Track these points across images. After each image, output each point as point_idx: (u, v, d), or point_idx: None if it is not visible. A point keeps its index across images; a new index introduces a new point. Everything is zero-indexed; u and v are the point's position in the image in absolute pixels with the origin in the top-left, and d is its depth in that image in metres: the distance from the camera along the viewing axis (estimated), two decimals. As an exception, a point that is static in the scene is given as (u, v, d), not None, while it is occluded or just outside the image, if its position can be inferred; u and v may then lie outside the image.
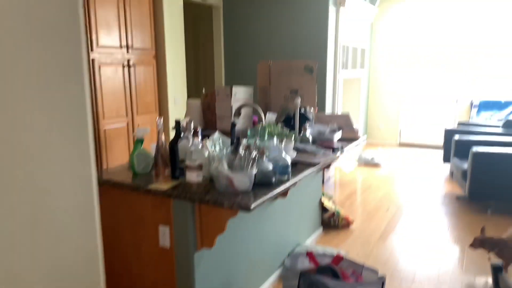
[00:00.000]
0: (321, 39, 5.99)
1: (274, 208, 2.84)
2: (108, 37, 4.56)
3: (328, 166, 3.31)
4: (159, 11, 5.18)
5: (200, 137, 2.29)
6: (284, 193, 2.20)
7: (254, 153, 2.03)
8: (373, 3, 7.19)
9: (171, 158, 2.22)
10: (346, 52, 6.62)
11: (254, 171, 2.00)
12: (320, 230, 3.81)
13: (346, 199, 4.78)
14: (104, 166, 4.54)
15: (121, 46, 4.72)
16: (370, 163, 6.40)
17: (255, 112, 3.34)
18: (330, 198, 4.13)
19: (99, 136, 4.52)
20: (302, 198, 3.34)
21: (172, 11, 5.33)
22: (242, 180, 1.98)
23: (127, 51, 4.81)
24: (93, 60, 4.40)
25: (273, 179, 2.12)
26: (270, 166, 2.11)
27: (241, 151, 2.04)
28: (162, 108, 5.43)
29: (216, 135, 2.22)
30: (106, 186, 2.28)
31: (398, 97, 7.92)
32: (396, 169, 6.21)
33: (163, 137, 2.23)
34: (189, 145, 2.12)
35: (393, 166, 6.37)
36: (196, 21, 6.79)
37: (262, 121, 3.02)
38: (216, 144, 2.12)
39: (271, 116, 3.41)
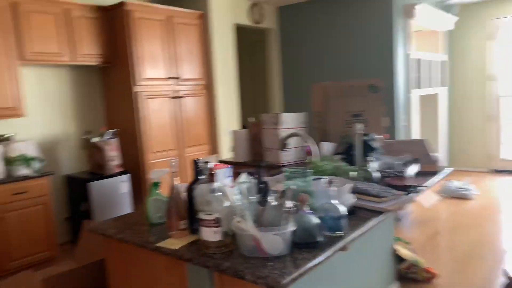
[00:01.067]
0: (386, 55, 5.29)
1: (331, 263, 2.21)
2: (154, 70, 4.34)
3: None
4: (209, 41, 4.90)
5: (225, 180, 1.80)
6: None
7: (290, 203, 1.48)
8: (448, 11, 6.34)
9: (189, 206, 1.75)
10: (418, 67, 5.82)
11: (291, 227, 1.45)
12: (396, 286, 3.06)
13: (427, 244, 3.93)
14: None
15: (167, 78, 4.48)
16: (457, 195, 5.40)
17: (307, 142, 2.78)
18: (406, 244, 3.37)
19: (144, 170, 4.22)
20: (368, 247, 2.66)
21: (222, 40, 5.03)
22: (274, 242, 1.43)
23: (175, 83, 4.56)
24: (137, 93, 4.18)
25: (319, 237, 1.53)
26: (314, 220, 1.53)
27: (273, 199, 1.50)
28: (213, 140, 5.06)
29: (244, 176, 1.71)
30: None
31: (488, 114, 6.80)
32: (492, 203, 5.16)
33: (178, 181, 1.77)
34: (206, 191, 1.62)
35: (487, 199, 5.32)
36: (252, 45, 6.47)
37: (311, 154, 2.45)
38: (241, 189, 1.60)
39: (326, 147, 2.82)
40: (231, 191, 1.60)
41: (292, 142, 3.05)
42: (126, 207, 4.00)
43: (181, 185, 1.90)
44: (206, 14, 4.85)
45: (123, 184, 4.03)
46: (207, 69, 4.95)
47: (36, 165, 3.39)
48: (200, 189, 1.69)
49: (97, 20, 4.10)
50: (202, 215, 1.57)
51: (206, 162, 1.65)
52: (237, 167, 3.48)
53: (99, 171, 3.94)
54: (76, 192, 3.95)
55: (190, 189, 1.74)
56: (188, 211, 1.75)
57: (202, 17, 4.83)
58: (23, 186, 3.28)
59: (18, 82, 3.50)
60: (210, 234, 1.54)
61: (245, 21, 5.56)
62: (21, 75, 3.53)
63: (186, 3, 4.93)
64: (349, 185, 1.87)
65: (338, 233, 1.61)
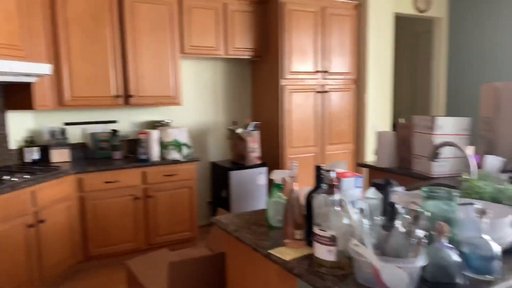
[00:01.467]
0: None
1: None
2: (302, 63, 4.25)
3: None
4: (364, 32, 4.56)
5: (353, 191, 1.56)
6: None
7: (423, 232, 1.18)
8: None
9: (307, 215, 1.58)
10: None
11: (422, 261, 1.16)
12: None
13: None
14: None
15: (315, 72, 4.34)
16: None
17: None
18: None
19: (283, 165, 4.20)
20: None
21: (379, 31, 4.62)
22: (397, 275, 1.16)
23: (323, 77, 4.39)
24: (283, 87, 4.15)
25: (459, 279, 1.19)
26: (454, 256, 1.20)
27: (401, 224, 1.22)
28: (358, 139, 4.74)
29: (371, 191, 1.45)
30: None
31: None
32: None
33: (297, 186, 1.61)
34: (325, 203, 1.42)
35: None
36: (414, 36, 5.82)
37: (470, 168, 1.99)
38: (365, 207, 1.35)
39: (491, 162, 2.28)
40: (353, 206, 1.37)
41: (448, 151, 2.57)
42: (261, 199, 4.05)
43: (305, 189, 1.74)
44: (363, 4, 4.52)
45: (261, 176, 4.08)
46: (358, 63, 4.63)
47: (186, 150, 3.67)
48: (319, 200, 1.50)
49: (251, 14, 4.20)
50: (317, 230, 1.38)
51: (329, 171, 1.44)
52: (377, 173, 3.17)
53: (240, 161, 4.07)
54: (219, 179, 4.17)
55: (309, 197, 1.57)
56: (306, 220, 1.59)
57: (358, 7, 4.53)
58: (173, 169, 3.59)
59: (178, 73, 3.83)
60: (323, 252, 1.35)
61: (408, 9, 5.01)
62: (179, 67, 3.85)
63: (341, -6, 4.69)
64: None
65: (488, 278, 1.23)
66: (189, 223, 3.72)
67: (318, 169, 1.54)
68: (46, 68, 2.99)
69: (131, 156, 3.77)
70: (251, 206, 3.97)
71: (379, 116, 4.74)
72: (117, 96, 3.56)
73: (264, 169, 4.11)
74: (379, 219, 1.30)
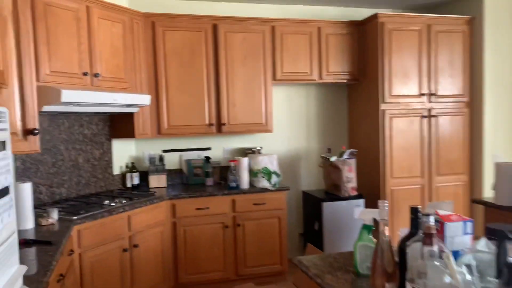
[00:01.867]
0: None
1: None
2: (405, 86, 3.89)
3: None
4: (480, 49, 4.03)
5: (462, 238, 1.25)
6: None
7: None
8: None
9: (400, 265, 1.31)
10: None
11: None
12: None
13: None
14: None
15: (421, 95, 3.93)
16: None
17: None
18: None
19: (384, 197, 3.83)
20: None
21: (498, 47, 4.04)
22: None
23: (429, 100, 3.96)
24: (384, 111, 3.83)
25: None
26: None
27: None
28: (474, 170, 4.13)
29: (483, 243, 1.13)
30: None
31: None
32: None
33: (387, 231, 1.35)
34: (421, 255, 1.15)
35: None
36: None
37: None
38: (472, 262, 1.05)
39: None
40: (458, 261, 1.08)
41: None
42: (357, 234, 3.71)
43: (402, 230, 1.47)
44: (478, 17, 4.01)
45: (358, 209, 3.75)
46: (472, 84, 4.09)
47: (275, 179, 3.55)
48: (415, 249, 1.23)
49: (347, 36, 4.00)
50: (409, 285, 1.12)
51: (427, 215, 1.17)
52: (495, 213, 2.66)
53: (334, 191, 3.81)
54: (311, 210, 3.95)
55: (402, 245, 1.31)
56: (398, 272, 1.32)
57: (471, 22, 4.03)
58: (262, 198, 3.49)
59: (270, 100, 3.78)
60: (419, 318, 1.08)
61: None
62: (270, 94, 3.80)
63: (449, 8, 4.24)
64: None
65: None
66: (278, 256, 3.56)
67: (414, 211, 1.27)
68: (146, 99, 3.16)
69: (222, 183, 3.78)
70: (346, 242, 3.66)
71: (499, 144, 4.08)
72: (210, 124, 3.62)
73: (361, 201, 3.78)
74: (492, 281, 0.99)
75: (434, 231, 1.10)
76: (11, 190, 1.21)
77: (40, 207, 2.76)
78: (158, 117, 3.50)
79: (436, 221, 1.44)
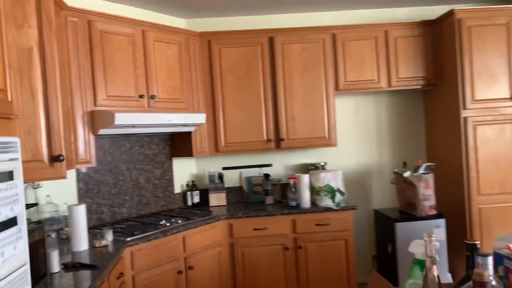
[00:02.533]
0: None
1: None
2: (491, 89, 3.38)
3: None
4: None
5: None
6: None
7: None
8: None
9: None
10: None
11: None
12: None
13: None
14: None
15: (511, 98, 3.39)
16: None
17: None
18: None
19: (470, 216, 3.33)
20: None
21: None
22: None
23: (522, 103, 3.39)
24: (466, 119, 3.37)
25: None
26: None
27: None
28: None
29: None
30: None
31: None
32: None
33: (435, 270, 1.08)
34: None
35: None
36: None
37: None
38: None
39: None
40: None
41: None
42: (441, 257, 3.26)
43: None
44: None
45: (437, 230, 3.31)
46: None
47: (340, 197, 3.28)
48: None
49: (419, 38, 3.62)
50: None
51: (484, 255, 0.89)
52: None
53: (409, 210, 3.42)
54: (383, 230, 3.58)
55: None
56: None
57: None
58: (325, 218, 3.24)
59: (332, 112, 3.54)
60: None
61: None
62: (333, 105, 3.55)
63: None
64: None
65: None
66: (345, 281, 3.25)
67: (469, 248, 0.99)
68: (201, 118, 3.13)
69: (284, 201, 3.60)
70: (424, 267, 3.23)
71: None
72: (269, 140, 3.48)
73: (441, 221, 3.33)
74: None
75: (487, 279, 0.82)
76: (21, 220, 1.19)
77: (100, 228, 2.84)
78: (216, 134, 3.47)
79: (509, 258, 1.13)
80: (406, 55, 3.62)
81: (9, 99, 1.16)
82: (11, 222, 1.12)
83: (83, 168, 2.90)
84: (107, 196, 3.06)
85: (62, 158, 1.64)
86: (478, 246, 1.01)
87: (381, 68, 3.60)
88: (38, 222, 2.50)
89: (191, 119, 3.07)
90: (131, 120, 2.64)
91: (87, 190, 2.93)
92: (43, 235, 1.63)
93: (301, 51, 3.53)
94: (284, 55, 3.51)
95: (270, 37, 3.51)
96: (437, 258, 1.30)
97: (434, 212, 3.35)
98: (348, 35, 3.58)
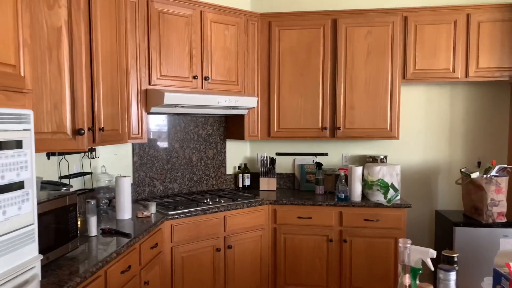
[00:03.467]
0: None
1: None
2: None
3: None
4: None
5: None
6: None
7: None
8: None
9: None
10: None
11: None
12: None
13: None
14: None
15: None
16: None
17: None
18: None
19: (549, 233, 2.91)
20: None
21: None
22: None
23: None
24: (555, 117, 2.91)
25: None
26: None
27: None
28: None
29: None
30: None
31: None
32: None
33: (407, 278, 0.96)
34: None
35: None
36: None
37: None
38: None
39: None
40: None
41: None
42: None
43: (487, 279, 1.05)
44: None
45: (504, 240, 2.93)
46: None
47: (392, 193, 3.06)
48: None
49: (507, 23, 3.17)
50: None
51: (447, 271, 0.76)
52: None
53: (474, 215, 3.07)
54: (442, 233, 3.28)
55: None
56: None
57: None
58: (375, 214, 3.05)
59: (397, 102, 3.29)
60: None
61: None
62: (399, 95, 3.29)
63: None
64: None
65: None
66: (392, 282, 3.06)
67: (446, 260, 0.86)
68: (253, 101, 3.13)
69: (334, 192, 3.46)
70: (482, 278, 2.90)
71: None
72: (324, 128, 3.36)
73: (510, 231, 2.94)
74: None
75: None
76: (29, 185, 1.30)
77: (150, 200, 3.02)
78: (269, 119, 3.43)
79: (506, 278, 0.97)
80: (490, 42, 3.20)
81: (22, 74, 1.26)
82: (17, 186, 1.23)
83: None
84: (160, 171, 3.23)
85: (83, 131, 1.75)
86: (456, 259, 0.89)
87: (458, 57, 3.24)
88: (92, 189, 2.74)
89: (242, 102, 3.07)
90: (180, 100, 2.73)
91: (141, 163, 3.12)
92: (75, 201, 1.78)
93: (366, 35, 3.31)
94: (348, 39, 3.32)
95: (334, 19, 3.34)
96: (420, 266, 1.16)
97: (503, 219, 2.97)
98: (422, 18, 3.26)
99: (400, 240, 1.00)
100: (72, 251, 1.79)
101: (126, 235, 2.13)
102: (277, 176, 3.75)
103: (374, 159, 3.48)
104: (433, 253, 1.20)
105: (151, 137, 3.19)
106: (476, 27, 3.21)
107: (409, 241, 1.02)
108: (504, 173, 3.05)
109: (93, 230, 2.12)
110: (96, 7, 2.15)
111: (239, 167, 3.69)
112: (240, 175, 3.61)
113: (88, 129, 2.08)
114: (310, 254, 3.14)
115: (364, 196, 3.20)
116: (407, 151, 3.63)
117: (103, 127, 2.21)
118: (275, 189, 3.59)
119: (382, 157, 3.48)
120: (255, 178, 3.68)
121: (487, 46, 3.21)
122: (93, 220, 2.12)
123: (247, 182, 3.61)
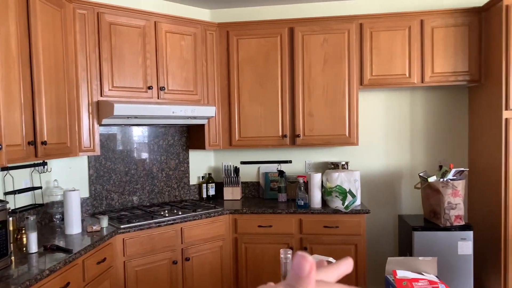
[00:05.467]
0: None
1: None
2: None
3: None
4: None
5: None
6: None
7: None
8: None
9: None
10: None
11: None
12: None
13: None
14: None
15: None
16: None
17: None
18: None
19: (505, 230, 2.93)
20: None
21: None
22: None
23: None
24: (507, 120, 2.96)
25: None
26: None
27: None
28: None
29: None
30: None
31: None
32: None
33: None
34: None
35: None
36: None
37: None
38: None
39: None
40: None
41: None
42: (465, 273, 2.92)
43: None
44: None
45: (462, 243, 2.95)
46: None
47: (350, 199, 3.06)
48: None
49: (462, 28, 3.23)
50: None
51: None
52: None
53: (433, 218, 3.09)
54: (404, 238, 3.29)
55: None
56: None
57: None
58: (335, 220, 3.04)
59: (355, 108, 3.31)
60: None
61: None
62: (357, 101, 3.31)
63: None
64: None
65: None
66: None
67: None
68: (210, 111, 3.11)
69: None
70: (445, 282, 2.90)
71: None
72: (284, 136, 3.36)
73: (468, 234, 2.96)
74: None
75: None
76: None
77: (108, 213, 2.97)
78: (230, 128, 3.42)
79: (392, 285, 0.95)
80: (444, 47, 3.25)
81: None
82: None
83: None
84: (118, 183, 3.18)
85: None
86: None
87: (414, 62, 3.28)
88: (41, 205, 2.68)
89: (199, 112, 3.06)
90: (131, 111, 2.70)
91: (97, 176, 3.07)
92: (5, 218, 1.73)
93: (323, 43, 3.33)
94: (305, 47, 3.34)
95: (291, 28, 3.37)
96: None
97: (461, 222, 2.99)
98: (378, 25, 3.31)
99: (281, 251, 0.99)
100: (2, 270, 1.73)
101: (67, 251, 2.08)
102: (242, 185, 3.73)
103: (336, 166, 3.49)
104: (332, 261, 1.18)
105: (108, 148, 3.15)
106: (430, 33, 3.26)
107: (290, 252, 1.01)
108: (462, 176, 3.08)
109: (33, 247, 2.07)
110: (36, 19, 2.13)
111: (203, 177, 3.66)
112: (204, 185, 3.58)
113: (28, 143, 2.05)
114: (272, 263, 3.12)
115: (324, 203, 3.19)
116: (369, 156, 3.65)
117: (45, 141, 2.17)
118: (239, 198, 3.57)
119: (344, 163, 3.49)
120: (220, 187, 3.66)
121: (441, 51, 3.26)
122: (33, 237, 2.06)
123: (212, 192, 3.58)
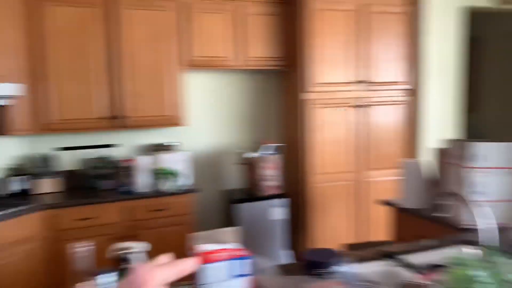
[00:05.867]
0: None
1: None
2: (333, 73, 3.46)
3: None
4: (421, 33, 3.61)
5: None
6: None
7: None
8: None
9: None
10: None
11: None
12: None
13: None
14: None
15: (354, 82, 3.50)
16: None
17: None
18: None
19: (304, 196, 3.41)
20: None
21: (445, 31, 3.65)
22: None
23: (364, 88, 3.53)
24: (303, 101, 3.40)
25: None
26: None
27: None
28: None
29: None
30: None
31: None
32: None
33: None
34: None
35: None
36: (498, 36, 4.59)
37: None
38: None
39: None
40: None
41: (496, 188, 1.63)
42: (278, 237, 3.33)
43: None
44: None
45: (276, 210, 3.34)
46: (414, 71, 3.67)
47: (178, 180, 3.12)
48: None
49: (274, 17, 3.55)
50: None
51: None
52: (406, 217, 2.26)
53: (254, 191, 3.40)
54: (227, 212, 3.54)
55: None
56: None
57: (415, 3, 3.59)
58: (164, 203, 3.06)
59: (180, 89, 3.33)
60: None
61: (486, 1, 3.85)
62: (183, 81, 3.35)
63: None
64: None
65: None
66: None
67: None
68: (11, 89, 2.70)
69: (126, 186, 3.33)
70: (263, 247, 3.27)
71: (447, 135, 3.69)
72: (109, 118, 3.16)
73: (280, 201, 3.37)
74: None
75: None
76: None
77: None
78: (45, 109, 3.02)
79: None
80: (259, 34, 3.53)
81: None
82: None
83: None
84: None
85: None
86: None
87: (233, 46, 3.47)
88: None
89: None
90: None
91: None
92: None
93: (146, 19, 3.21)
94: (127, 22, 3.16)
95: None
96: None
97: (275, 192, 3.37)
98: (201, 6, 3.35)
99: (76, 245, 0.94)
100: None
101: None
102: (61, 174, 3.38)
103: (167, 147, 3.47)
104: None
105: None
106: (245, 19, 3.48)
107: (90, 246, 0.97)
108: (274, 151, 3.44)
109: None
110: None
111: (10, 169, 3.17)
112: (11, 178, 3.10)
113: None
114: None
115: (155, 186, 3.16)
116: (199, 137, 3.75)
117: None
118: (59, 191, 3.21)
119: (175, 144, 3.50)
120: (36, 179, 3.21)
121: (256, 37, 3.52)
122: None
123: (20, 186, 3.12)
